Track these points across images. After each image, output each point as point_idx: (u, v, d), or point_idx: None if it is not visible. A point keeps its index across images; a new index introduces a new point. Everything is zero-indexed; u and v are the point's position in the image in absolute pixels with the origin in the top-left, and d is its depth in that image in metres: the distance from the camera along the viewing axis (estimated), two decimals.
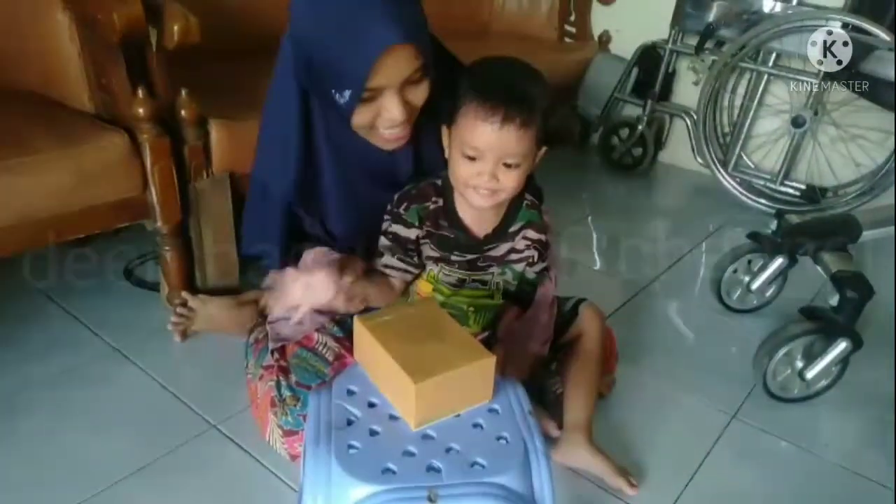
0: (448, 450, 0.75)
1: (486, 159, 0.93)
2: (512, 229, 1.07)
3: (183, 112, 1.29)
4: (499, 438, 0.77)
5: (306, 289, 1.32)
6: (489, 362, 0.79)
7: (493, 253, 1.08)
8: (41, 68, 1.36)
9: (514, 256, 1.08)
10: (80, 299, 1.50)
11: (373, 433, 0.77)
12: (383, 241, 1.06)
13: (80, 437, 1.14)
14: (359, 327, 0.85)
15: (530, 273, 1.10)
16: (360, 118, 0.95)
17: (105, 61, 1.26)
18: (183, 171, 1.33)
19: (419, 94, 0.95)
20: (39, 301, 1.50)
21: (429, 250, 1.06)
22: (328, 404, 0.81)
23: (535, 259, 1.09)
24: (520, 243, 1.07)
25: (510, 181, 0.96)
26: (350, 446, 0.74)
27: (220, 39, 1.42)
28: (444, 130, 1.00)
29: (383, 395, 0.83)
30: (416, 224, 1.04)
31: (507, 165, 0.94)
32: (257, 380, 1.14)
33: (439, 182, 1.05)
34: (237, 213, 1.42)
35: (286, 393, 1.07)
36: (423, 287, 1.09)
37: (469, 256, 1.07)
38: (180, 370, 1.32)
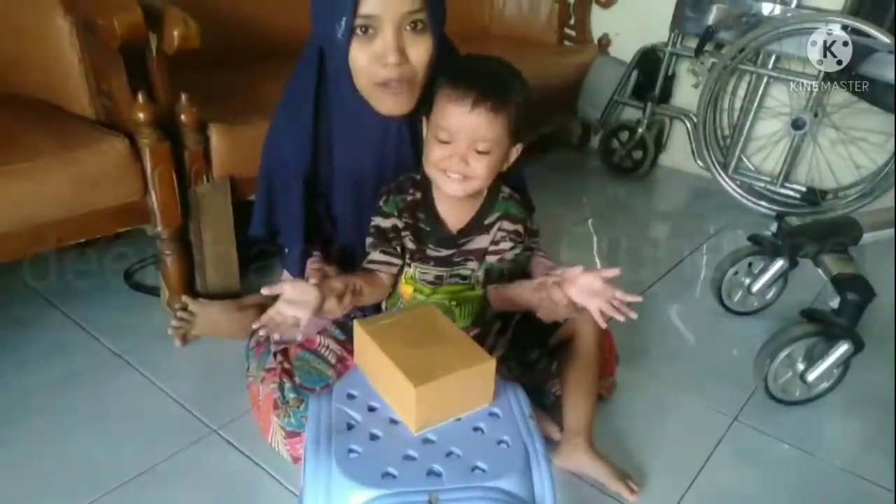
0: (449, 454, 0.75)
1: (457, 142, 0.95)
2: (487, 221, 1.07)
3: (183, 117, 1.29)
4: (499, 442, 0.77)
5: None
6: (489, 366, 0.79)
7: (470, 247, 1.07)
8: (42, 73, 1.36)
9: (492, 248, 1.08)
10: (80, 304, 1.50)
11: (373, 437, 0.77)
12: (368, 238, 1.07)
13: (80, 443, 1.14)
14: (359, 331, 0.85)
15: (509, 259, 1.08)
16: (356, 56, 0.94)
17: (105, 66, 1.27)
18: (183, 175, 1.33)
19: (419, 49, 0.95)
20: (39, 306, 1.50)
21: (408, 242, 1.07)
22: (328, 408, 0.81)
23: (510, 248, 1.07)
24: (497, 235, 1.07)
25: (480, 168, 0.96)
26: (350, 450, 0.74)
27: (220, 45, 1.43)
28: (425, 122, 1.01)
29: (384, 399, 0.83)
30: (395, 214, 1.05)
31: (478, 151, 0.95)
32: (259, 382, 1.14)
33: (418, 176, 1.06)
34: (237, 216, 1.42)
35: (290, 395, 1.07)
36: (404, 289, 1.09)
37: (444, 252, 1.07)
38: (181, 375, 1.32)
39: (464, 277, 1.08)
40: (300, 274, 1.12)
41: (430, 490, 0.70)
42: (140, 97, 1.22)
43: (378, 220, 1.06)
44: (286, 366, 1.11)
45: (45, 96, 1.38)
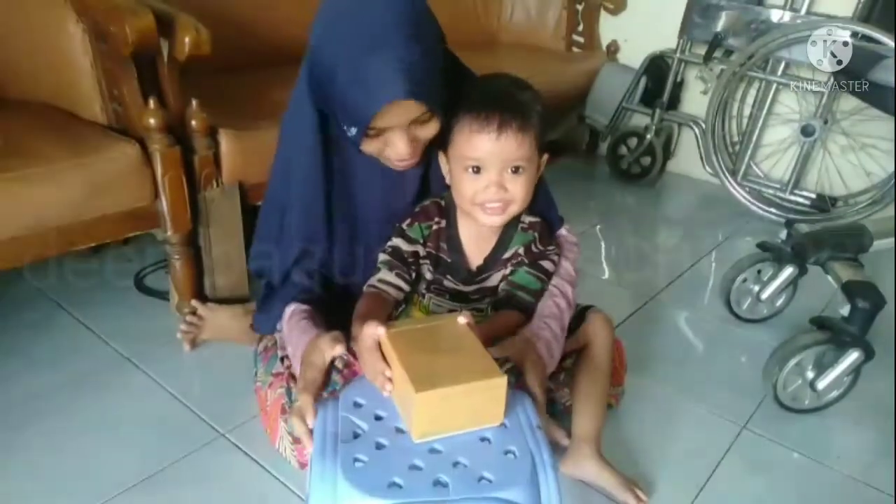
0: (455, 464, 0.74)
1: (490, 169, 0.93)
2: (505, 255, 1.05)
3: (193, 122, 1.30)
4: (506, 453, 0.76)
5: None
6: (500, 383, 0.77)
7: (487, 284, 1.06)
8: (54, 80, 1.38)
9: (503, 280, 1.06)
10: (89, 307, 1.51)
11: (379, 446, 0.76)
12: (382, 256, 1.04)
13: (89, 446, 1.15)
14: (384, 337, 0.85)
15: (525, 277, 1.05)
16: (368, 148, 0.95)
17: (117, 73, 1.28)
18: (193, 180, 1.34)
19: (427, 132, 0.95)
20: (49, 309, 1.51)
21: (426, 271, 1.05)
22: (335, 417, 0.81)
23: (510, 272, 1.05)
24: (509, 269, 1.05)
25: (519, 189, 0.95)
26: (356, 459, 0.73)
27: (230, 51, 1.44)
28: (441, 156, 1.00)
29: (391, 408, 0.82)
30: (420, 241, 1.03)
31: (514, 171, 0.94)
32: (267, 387, 1.14)
33: (442, 202, 1.05)
34: (246, 221, 1.43)
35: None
36: (416, 316, 1.08)
37: (461, 287, 1.06)
38: (189, 379, 1.33)
39: (479, 310, 1.07)
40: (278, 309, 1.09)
41: (436, 500, 0.69)
42: (151, 103, 1.23)
43: (398, 243, 1.03)
44: (293, 371, 1.11)
45: (58, 102, 1.39)
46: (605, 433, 1.13)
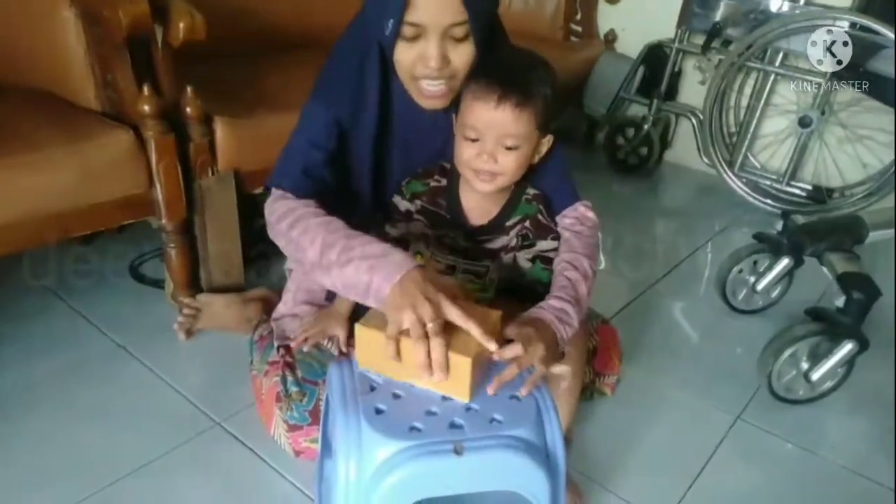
0: (467, 409, 0.79)
1: (485, 139, 0.95)
2: (508, 223, 1.06)
3: (188, 109, 1.29)
4: (511, 398, 0.81)
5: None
6: (465, 361, 0.78)
7: (488, 246, 1.07)
8: (48, 66, 1.36)
9: (507, 248, 1.07)
10: (85, 296, 1.50)
11: (396, 396, 0.80)
12: (381, 214, 1.08)
13: (84, 434, 1.15)
14: (362, 332, 0.84)
15: (541, 273, 1.05)
16: (401, 55, 0.95)
17: (111, 59, 1.27)
18: (188, 168, 1.33)
19: (460, 55, 0.95)
20: (45, 298, 1.50)
21: (421, 227, 1.06)
22: (350, 373, 0.85)
23: (515, 245, 1.05)
24: (514, 239, 1.06)
25: (509, 163, 0.97)
26: (377, 409, 0.78)
27: (226, 37, 1.43)
28: (454, 119, 1.01)
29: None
30: (408, 197, 1.06)
31: (507, 147, 0.95)
32: (262, 375, 1.14)
33: (448, 165, 1.06)
34: (242, 209, 1.42)
35: (293, 388, 1.07)
36: None
37: (462, 243, 1.07)
38: (185, 367, 1.33)
39: (478, 276, 1.07)
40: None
41: (454, 440, 0.74)
42: (145, 89, 1.22)
43: (396, 200, 1.07)
44: (288, 359, 1.11)
45: (52, 88, 1.38)
46: (598, 422, 1.14)
